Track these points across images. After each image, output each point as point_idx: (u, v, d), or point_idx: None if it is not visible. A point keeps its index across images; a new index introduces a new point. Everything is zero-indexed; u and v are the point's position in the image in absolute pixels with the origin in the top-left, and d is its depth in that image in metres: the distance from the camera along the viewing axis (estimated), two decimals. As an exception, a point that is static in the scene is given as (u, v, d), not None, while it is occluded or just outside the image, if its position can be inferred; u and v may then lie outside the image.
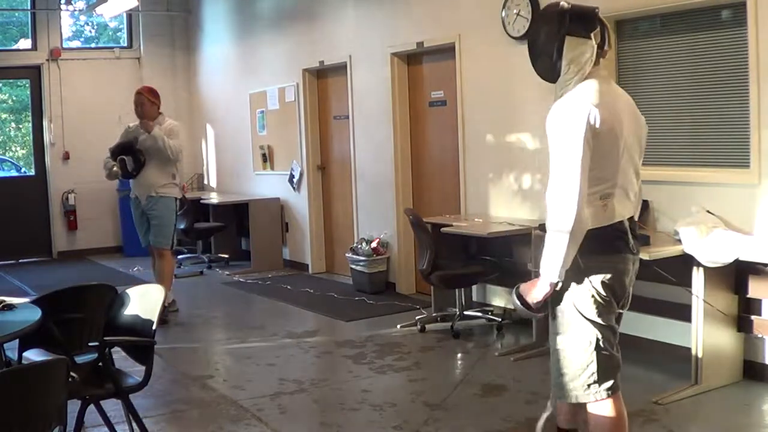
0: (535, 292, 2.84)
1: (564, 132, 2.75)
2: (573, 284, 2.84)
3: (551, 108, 2.85)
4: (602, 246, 2.82)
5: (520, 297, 2.90)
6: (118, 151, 6.67)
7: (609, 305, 2.86)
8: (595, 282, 2.83)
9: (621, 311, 2.95)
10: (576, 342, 2.87)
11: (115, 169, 6.65)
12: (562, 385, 2.93)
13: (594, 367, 2.85)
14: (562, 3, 2.87)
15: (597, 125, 2.73)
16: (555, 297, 2.86)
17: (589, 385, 2.87)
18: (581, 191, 2.69)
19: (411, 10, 7.15)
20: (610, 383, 2.87)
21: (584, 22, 2.84)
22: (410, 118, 7.45)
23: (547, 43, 2.86)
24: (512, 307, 6.42)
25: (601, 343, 2.85)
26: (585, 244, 2.75)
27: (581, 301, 2.85)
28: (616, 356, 2.90)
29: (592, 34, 2.83)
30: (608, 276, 2.83)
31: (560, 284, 2.81)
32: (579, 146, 2.71)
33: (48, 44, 10.43)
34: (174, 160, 6.66)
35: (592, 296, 2.84)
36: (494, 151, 6.39)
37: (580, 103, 2.77)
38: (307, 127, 8.78)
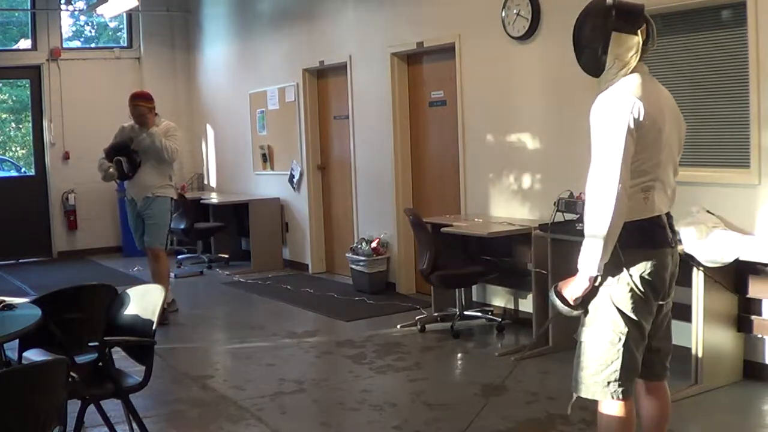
0: (574, 287, 2.81)
1: (607, 124, 2.75)
2: (611, 277, 2.81)
3: (595, 100, 2.83)
4: (643, 239, 2.81)
5: (559, 294, 2.87)
6: (113, 152, 6.58)
7: (646, 301, 2.83)
8: (634, 275, 2.80)
9: (662, 302, 2.92)
10: (605, 336, 2.84)
11: (111, 170, 6.56)
12: (581, 379, 2.90)
13: (618, 364, 2.83)
14: None
15: (640, 118, 2.73)
16: (593, 290, 2.83)
17: (609, 383, 2.84)
18: (622, 184, 2.69)
19: (411, 10, 7.15)
20: (627, 386, 2.86)
21: (630, 18, 2.83)
22: (410, 118, 7.45)
23: (592, 38, 2.85)
24: (512, 307, 6.46)
25: (630, 341, 2.83)
26: (625, 236, 2.74)
27: (618, 294, 2.82)
28: (638, 359, 2.88)
29: (638, 31, 2.83)
30: (648, 270, 2.81)
31: (599, 278, 2.79)
32: (621, 139, 2.71)
33: (48, 44, 10.43)
34: (170, 160, 6.59)
35: (631, 289, 2.81)
36: (494, 151, 6.38)
37: (624, 95, 2.77)
38: (307, 127, 8.78)
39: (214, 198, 9.92)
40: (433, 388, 4.85)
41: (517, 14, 5.98)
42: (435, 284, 6.14)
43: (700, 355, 4.45)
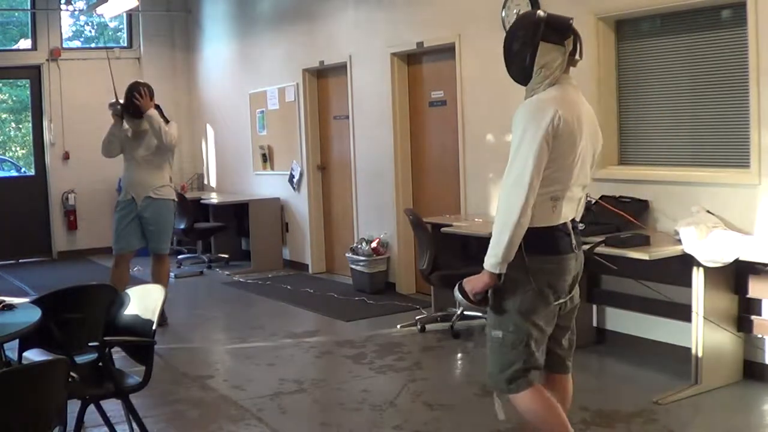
0: (475, 283, 2.97)
1: (525, 129, 2.86)
2: (515, 281, 2.93)
3: (519, 106, 2.96)
4: (548, 246, 2.93)
5: (461, 289, 3.02)
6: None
7: (548, 305, 2.96)
8: (537, 281, 2.92)
9: (564, 300, 3.01)
10: (508, 338, 2.98)
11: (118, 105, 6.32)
12: (493, 375, 3.08)
13: (519, 364, 2.98)
14: (539, 12, 3.01)
15: (559, 128, 2.84)
16: (497, 292, 2.96)
17: (511, 380, 3.00)
18: (532, 188, 2.80)
19: (411, 10, 7.15)
20: (528, 377, 3.00)
21: (558, 30, 2.96)
22: (410, 118, 7.45)
23: (521, 48, 2.98)
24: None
25: (531, 341, 2.96)
26: (531, 243, 2.87)
27: (521, 299, 2.94)
28: (540, 358, 3.02)
29: (564, 42, 2.95)
30: (551, 275, 2.94)
31: (502, 278, 2.91)
32: (537, 145, 2.82)
33: (48, 44, 10.43)
34: (168, 145, 6.29)
35: (533, 294, 2.93)
36: (494, 151, 6.38)
37: (546, 104, 2.89)
38: (307, 127, 8.78)
39: (214, 198, 9.92)
40: (433, 388, 4.85)
41: (517, 14, 5.97)
42: (435, 284, 6.14)
43: (700, 355, 4.45)
